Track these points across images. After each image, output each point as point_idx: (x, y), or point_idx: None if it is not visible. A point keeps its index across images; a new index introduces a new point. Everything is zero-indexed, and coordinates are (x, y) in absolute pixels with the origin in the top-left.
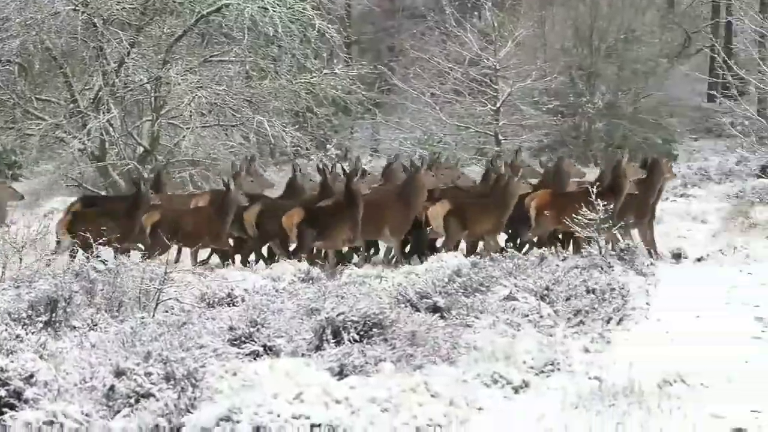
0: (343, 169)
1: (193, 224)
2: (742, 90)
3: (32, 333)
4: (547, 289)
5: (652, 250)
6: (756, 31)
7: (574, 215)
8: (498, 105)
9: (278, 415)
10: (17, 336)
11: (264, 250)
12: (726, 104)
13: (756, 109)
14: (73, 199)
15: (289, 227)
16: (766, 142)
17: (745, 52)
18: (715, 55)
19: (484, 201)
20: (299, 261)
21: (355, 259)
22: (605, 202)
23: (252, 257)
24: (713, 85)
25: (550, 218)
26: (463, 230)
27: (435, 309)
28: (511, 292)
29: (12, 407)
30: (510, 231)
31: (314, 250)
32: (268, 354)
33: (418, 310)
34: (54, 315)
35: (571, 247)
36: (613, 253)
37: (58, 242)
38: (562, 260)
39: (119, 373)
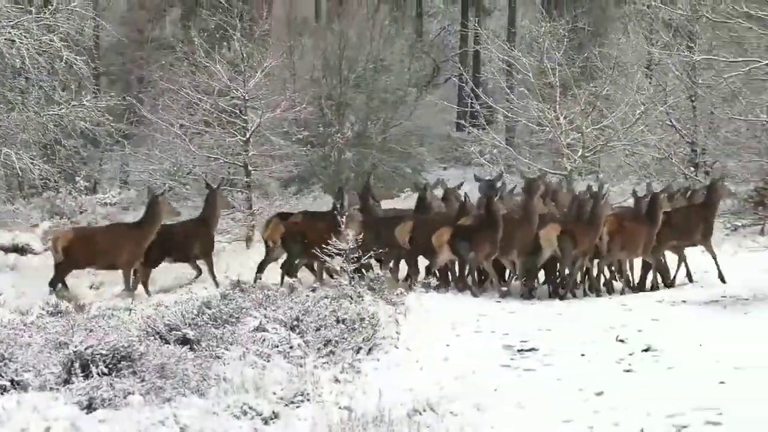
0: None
1: None
2: (490, 119)
3: None
4: (297, 319)
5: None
6: (503, 60)
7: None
8: (248, 135)
9: None
10: None
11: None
12: (474, 133)
13: (504, 137)
14: None
15: (439, 245)
16: (514, 171)
17: (493, 81)
18: (463, 84)
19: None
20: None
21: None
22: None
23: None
24: (462, 114)
25: None
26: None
27: (185, 341)
28: (261, 323)
29: None
30: None
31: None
32: (15, 388)
33: (167, 342)
34: None
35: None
36: (363, 283)
37: None
38: (312, 291)
39: None
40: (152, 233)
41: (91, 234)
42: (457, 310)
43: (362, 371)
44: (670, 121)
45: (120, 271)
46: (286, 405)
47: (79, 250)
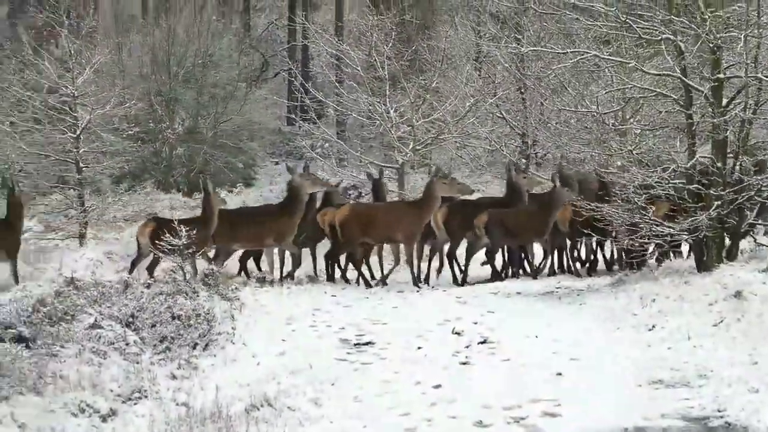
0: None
1: None
2: (321, 113)
3: None
4: (132, 316)
5: None
6: (332, 54)
7: None
8: (78, 132)
9: None
10: None
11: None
12: (305, 127)
13: (335, 131)
14: None
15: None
16: (346, 165)
17: (322, 75)
18: (293, 79)
19: None
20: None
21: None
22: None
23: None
24: (292, 108)
25: None
26: None
27: (20, 339)
28: (96, 320)
29: None
30: None
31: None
32: None
33: (2, 340)
34: None
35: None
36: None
37: None
38: (147, 287)
39: None
40: None
41: None
42: (292, 305)
43: (199, 367)
44: (501, 114)
45: None
46: (124, 402)
47: None
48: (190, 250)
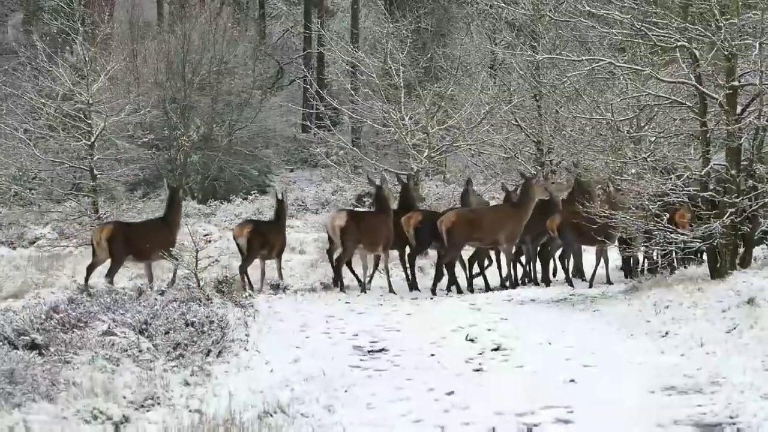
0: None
1: None
2: (336, 120)
3: None
4: (145, 323)
5: None
6: (347, 62)
7: None
8: (92, 139)
9: None
10: None
11: None
12: (320, 134)
13: (350, 139)
14: None
15: None
16: (361, 172)
17: (337, 83)
18: (308, 86)
19: None
20: None
21: None
22: None
23: None
24: (307, 115)
25: None
26: None
27: (33, 346)
28: (109, 327)
29: None
30: None
31: None
32: None
33: (16, 347)
34: None
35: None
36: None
37: None
38: (160, 294)
39: None
40: None
41: None
42: (306, 312)
43: (212, 374)
44: (516, 121)
45: None
46: (137, 409)
47: None
48: None
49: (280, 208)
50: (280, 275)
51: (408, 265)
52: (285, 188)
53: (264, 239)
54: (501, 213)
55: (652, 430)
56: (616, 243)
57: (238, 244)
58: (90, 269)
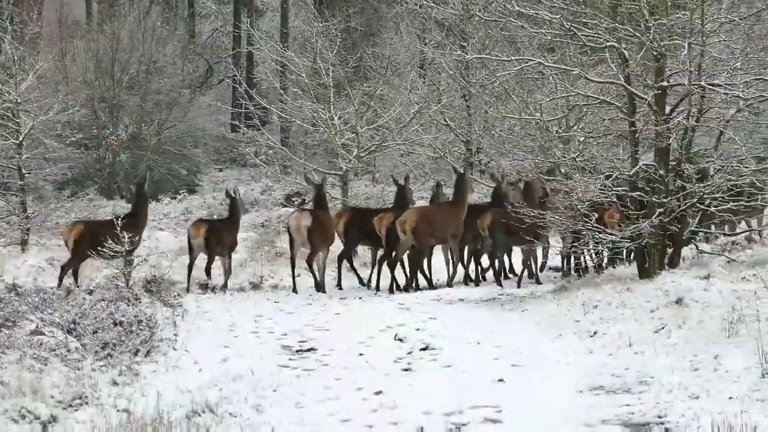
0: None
1: None
2: (265, 120)
3: None
4: (74, 322)
5: None
6: (277, 61)
7: None
8: (21, 139)
9: None
10: None
11: None
12: (249, 134)
13: (279, 138)
14: None
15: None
16: (290, 171)
17: (266, 82)
18: (237, 86)
19: None
20: None
21: None
22: None
23: None
24: (236, 115)
25: None
26: None
27: None
28: (37, 327)
29: None
30: None
31: None
32: None
33: None
34: None
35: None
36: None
37: None
38: (89, 293)
39: None
40: None
41: None
42: (235, 312)
43: (140, 373)
44: (445, 121)
45: None
46: (65, 408)
47: None
48: None
49: (234, 205)
50: (229, 271)
51: (338, 265)
52: (236, 186)
53: (218, 237)
54: (446, 211)
55: (581, 430)
56: (547, 243)
57: (192, 245)
58: (66, 269)
